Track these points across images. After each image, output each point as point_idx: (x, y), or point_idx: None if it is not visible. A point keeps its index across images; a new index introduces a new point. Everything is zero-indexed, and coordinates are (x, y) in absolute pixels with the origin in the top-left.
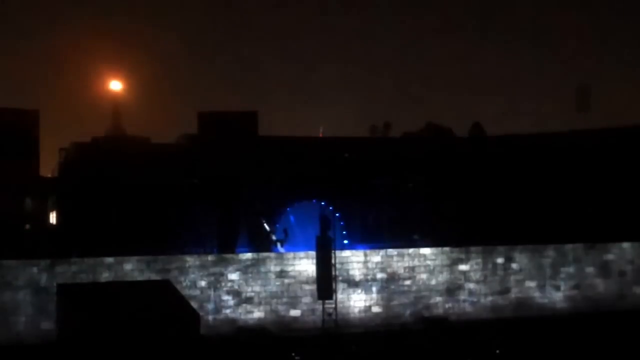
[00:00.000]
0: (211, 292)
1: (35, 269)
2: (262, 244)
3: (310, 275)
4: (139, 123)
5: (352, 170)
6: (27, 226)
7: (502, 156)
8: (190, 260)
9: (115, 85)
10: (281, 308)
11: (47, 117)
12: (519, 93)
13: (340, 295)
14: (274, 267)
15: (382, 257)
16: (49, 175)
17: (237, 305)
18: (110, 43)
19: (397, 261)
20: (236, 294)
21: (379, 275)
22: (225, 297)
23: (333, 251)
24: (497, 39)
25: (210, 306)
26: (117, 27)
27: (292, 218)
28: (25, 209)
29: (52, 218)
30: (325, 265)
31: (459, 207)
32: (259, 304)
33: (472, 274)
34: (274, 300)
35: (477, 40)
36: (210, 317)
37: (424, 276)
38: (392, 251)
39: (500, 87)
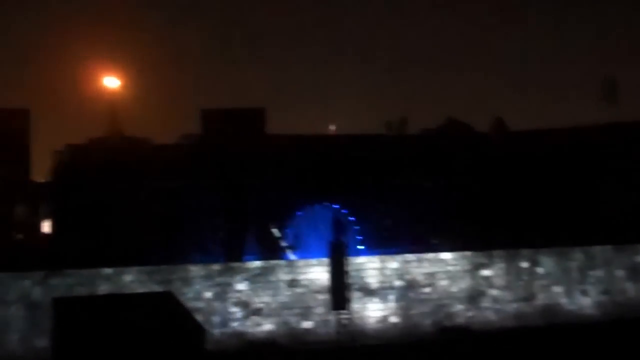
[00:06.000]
0: (217, 304)
1: (27, 282)
2: (271, 251)
3: (323, 283)
4: (139, 122)
5: (366, 171)
6: (19, 236)
7: (525, 153)
8: (195, 269)
9: (112, 82)
10: (292, 320)
11: (38, 116)
12: (544, 85)
13: (355, 305)
14: (284, 276)
15: (399, 263)
16: (42, 180)
17: (246, 317)
18: (105, 36)
19: (416, 267)
20: (244, 305)
21: (397, 283)
22: (233, 309)
23: (347, 258)
24: (518, 30)
25: (216, 319)
26: (113, 18)
27: (303, 223)
28: (16, 217)
29: (46, 226)
30: (339, 273)
31: (480, 209)
32: (269, 315)
33: (495, 279)
34: (285, 312)
35: (498, 31)
36: (217, 331)
37: (444, 283)
38: (410, 256)
39: (523, 79)
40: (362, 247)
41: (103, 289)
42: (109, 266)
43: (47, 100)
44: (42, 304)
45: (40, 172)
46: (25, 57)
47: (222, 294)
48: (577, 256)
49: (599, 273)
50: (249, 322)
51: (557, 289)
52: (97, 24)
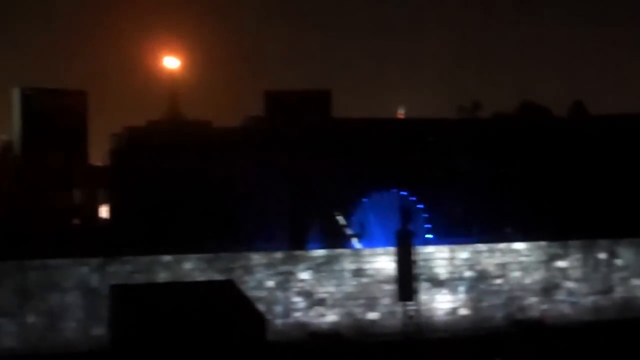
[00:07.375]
0: (279, 293)
1: (85, 269)
2: (336, 239)
3: (390, 273)
4: (199, 104)
5: (436, 156)
6: (76, 221)
7: (605, 138)
8: (257, 257)
9: (172, 63)
10: (357, 310)
11: (96, 98)
12: (624, 66)
13: (423, 296)
14: (349, 265)
15: (470, 252)
16: (100, 164)
17: (309, 307)
18: (165, 14)
19: (487, 257)
20: (307, 295)
21: (467, 274)
22: (295, 299)
23: (415, 247)
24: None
25: (278, 309)
26: None
27: (369, 210)
28: (73, 202)
29: (104, 212)
30: (406, 263)
31: (556, 196)
32: (333, 306)
33: (571, 271)
34: (350, 302)
35: (576, 10)
36: (279, 321)
37: (517, 274)
38: (481, 246)
39: (603, 60)
40: (431, 236)
41: (162, 276)
42: (168, 253)
43: (105, 82)
44: (100, 291)
45: (98, 155)
46: (83, 37)
47: (284, 283)
48: None
49: None
50: (312, 313)
51: (637, 282)
52: (157, 2)
